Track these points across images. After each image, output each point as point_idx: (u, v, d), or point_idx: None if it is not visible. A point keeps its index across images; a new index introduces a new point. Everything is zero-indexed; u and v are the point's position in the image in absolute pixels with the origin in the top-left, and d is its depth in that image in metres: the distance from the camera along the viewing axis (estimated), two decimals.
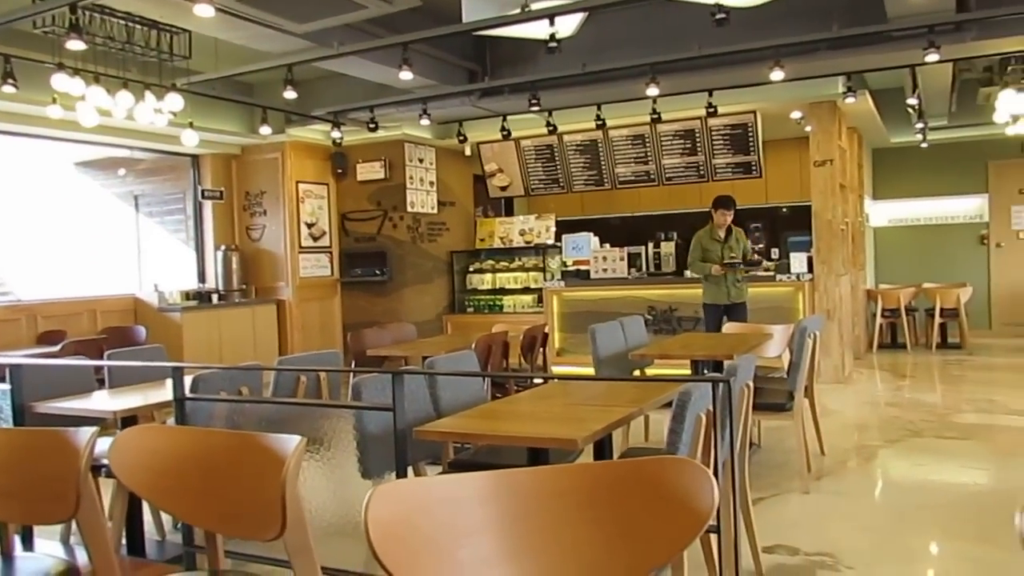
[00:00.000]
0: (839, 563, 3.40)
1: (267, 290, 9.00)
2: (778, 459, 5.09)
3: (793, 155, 9.52)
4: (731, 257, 6.74)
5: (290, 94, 6.31)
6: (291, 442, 1.75)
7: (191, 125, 6.79)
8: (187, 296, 8.43)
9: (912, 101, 7.77)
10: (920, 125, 9.10)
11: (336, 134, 8.03)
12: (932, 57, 5.70)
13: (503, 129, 8.27)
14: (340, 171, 9.32)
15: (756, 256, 7.04)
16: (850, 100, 7.13)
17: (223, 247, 8.84)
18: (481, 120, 8.64)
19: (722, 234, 6.83)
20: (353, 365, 5.89)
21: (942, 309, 9.94)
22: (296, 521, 1.72)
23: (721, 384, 2.39)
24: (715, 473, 2.43)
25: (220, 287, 8.75)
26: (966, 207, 10.96)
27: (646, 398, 3.13)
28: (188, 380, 3.35)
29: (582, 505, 1.42)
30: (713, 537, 2.60)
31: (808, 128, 8.02)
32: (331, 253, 9.40)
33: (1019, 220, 10.81)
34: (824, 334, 7.52)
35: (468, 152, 9.67)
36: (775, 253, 10.23)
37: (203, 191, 8.87)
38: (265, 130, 7.65)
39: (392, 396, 2.81)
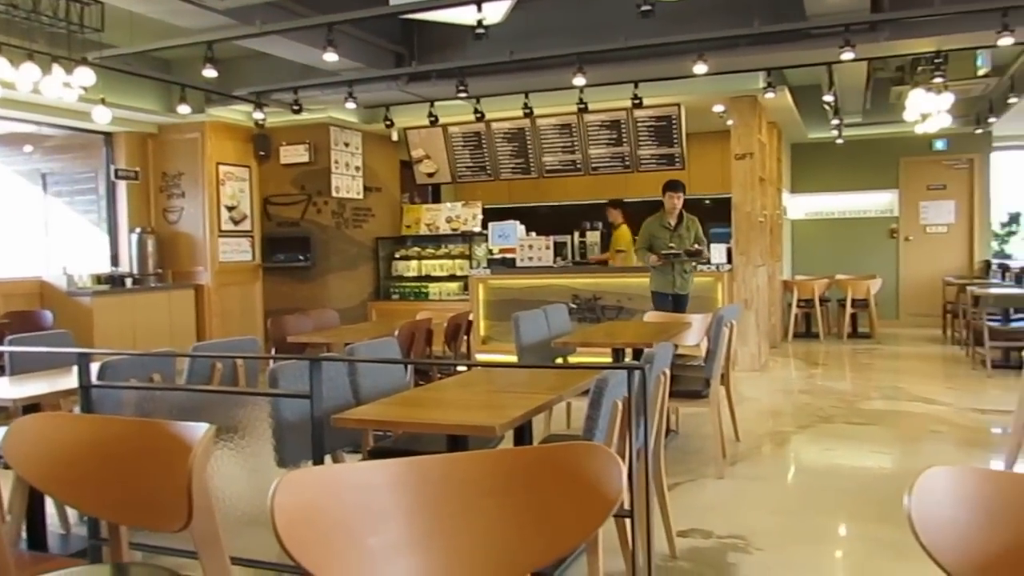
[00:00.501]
0: (750, 545, 3.50)
1: (185, 275, 8.75)
2: (695, 445, 5.21)
3: (715, 148, 9.72)
4: (677, 246, 6.63)
5: (210, 72, 6.12)
6: (198, 430, 1.70)
7: (103, 101, 6.52)
8: (99, 280, 8.12)
9: (828, 98, 8.02)
10: (836, 122, 9.40)
11: (259, 115, 7.84)
12: (847, 55, 5.89)
13: (431, 115, 8.22)
14: (263, 153, 9.11)
15: (697, 246, 6.65)
16: (770, 95, 7.32)
17: (138, 229, 8.55)
18: (408, 105, 8.56)
19: (672, 221, 6.71)
20: (273, 352, 5.77)
21: (853, 300, 10.32)
22: (203, 511, 1.68)
23: (637, 371, 2.43)
24: (630, 459, 2.47)
25: (134, 271, 8.46)
26: (878, 202, 11.39)
27: (566, 385, 3.15)
28: (96, 367, 3.23)
29: (494, 491, 1.43)
30: (628, 521, 2.64)
31: (730, 122, 8.20)
32: (252, 238, 9.19)
33: (927, 215, 11.30)
34: (741, 323, 7.72)
35: (395, 137, 9.56)
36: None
37: (116, 171, 8.55)
38: (184, 109, 7.41)
39: (309, 383, 2.76)
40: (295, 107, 7.55)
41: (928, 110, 7.71)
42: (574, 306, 8.30)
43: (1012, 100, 8.72)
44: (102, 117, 6.57)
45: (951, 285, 9.77)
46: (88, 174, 8.79)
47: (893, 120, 9.98)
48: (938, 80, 6.74)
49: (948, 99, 7.44)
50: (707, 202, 10.41)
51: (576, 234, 10.82)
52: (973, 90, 9.23)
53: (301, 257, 9.07)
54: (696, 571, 3.27)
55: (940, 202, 11.24)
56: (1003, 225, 12.85)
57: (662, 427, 3.29)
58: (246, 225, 9.08)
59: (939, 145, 11.11)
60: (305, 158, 8.98)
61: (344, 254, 9.30)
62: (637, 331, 5.44)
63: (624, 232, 9.36)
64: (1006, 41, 5.48)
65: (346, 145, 9.23)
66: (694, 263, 6.92)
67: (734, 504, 4.19)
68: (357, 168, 9.42)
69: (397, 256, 9.98)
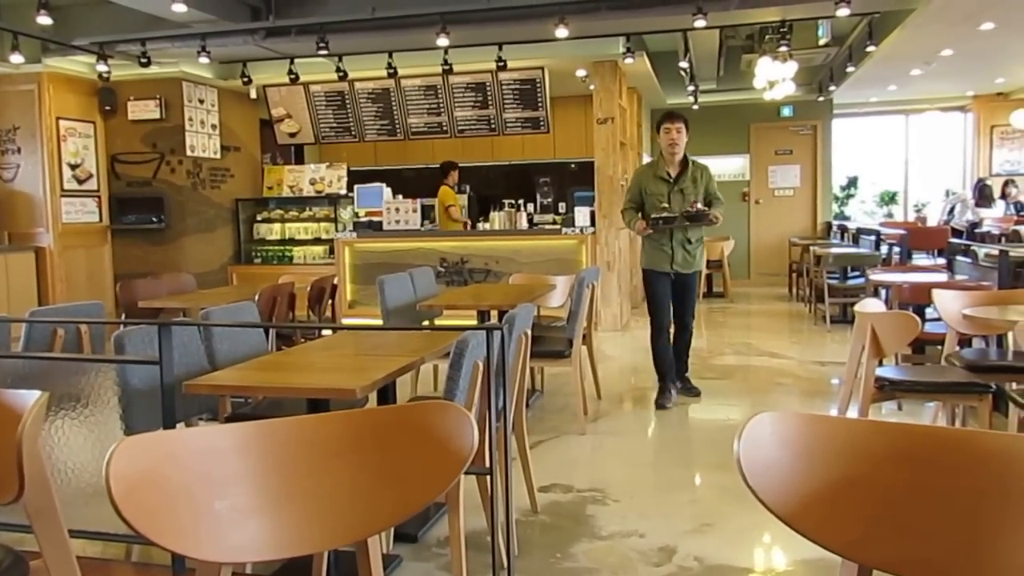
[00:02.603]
0: (607, 497, 3.65)
1: (23, 236, 8.13)
2: (559, 403, 5.35)
3: (579, 112, 9.88)
4: (677, 207, 5.05)
5: (44, 19, 5.68)
6: (29, 397, 1.60)
7: None
8: None
9: (684, 65, 8.29)
10: (692, 88, 9.74)
11: (102, 67, 7.32)
12: (700, 23, 6.10)
13: (291, 72, 7.93)
14: (108, 108, 8.53)
15: (700, 206, 4.98)
16: (629, 61, 7.48)
17: None
18: (267, 62, 8.23)
19: (672, 170, 5.10)
20: (123, 318, 5.48)
21: (708, 261, 10.80)
22: (37, 482, 1.59)
23: (496, 332, 2.46)
24: (490, 418, 2.51)
25: None
26: (731, 166, 11.93)
27: (429, 348, 3.16)
28: None
29: (345, 451, 1.42)
30: (489, 479, 2.69)
31: (592, 86, 8.34)
32: (99, 198, 8.62)
33: (775, 179, 11.94)
34: (604, 285, 7.96)
35: (254, 95, 9.19)
36: (563, 208, 10.64)
37: None
38: (16, 58, 6.84)
39: (159, 349, 2.64)
40: (143, 60, 7.11)
41: (775, 78, 8.11)
42: (442, 269, 8.30)
43: (850, 69, 9.29)
44: None
45: (796, 246, 10.40)
46: None
47: (744, 87, 10.44)
48: (783, 49, 7.09)
49: (792, 67, 7.85)
50: (573, 166, 10.59)
51: None
52: (815, 59, 9.78)
53: (154, 219, 8.61)
54: (556, 524, 3.38)
55: (787, 166, 11.90)
56: (843, 188, 13.77)
57: (524, 387, 3.35)
58: (92, 184, 8.50)
59: (786, 112, 11.73)
60: (156, 114, 8.48)
61: (201, 216, 8.89)
62: (502, 293, 5.50)
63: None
64: (843, 12, 5.84)
65: (201, 102, 8.78)
66: (700, 230, 5.21)
67: (594, 459, 4.35)
68: (213, 126, 8.99)
69: (259, 219, 9.64)
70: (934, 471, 1.17)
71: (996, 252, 5.04)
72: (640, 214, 5.18)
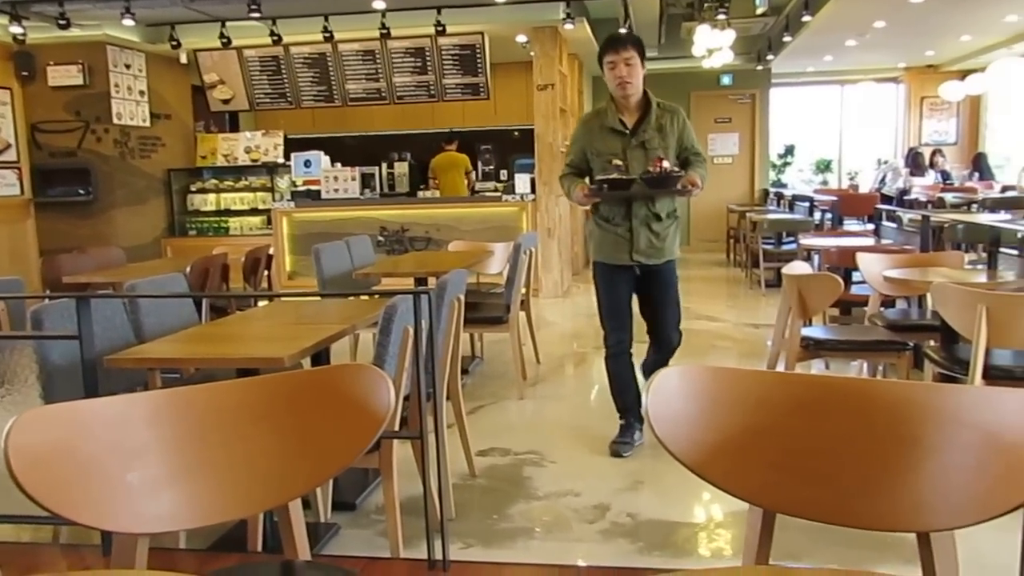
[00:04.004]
0: (544, 459, 3.70)
1: None
2: (498, 370, 5.38)
3: (520, 79, 9.82)
4: (634, 166, 3.54)
5: None
6: None
7: None
8: None
9: (624, 31, 8.29)
10: None
11: (17, 29, 7.00)
12: None
13: (222, 36, 7.73)
14: (26, 74, 8.17)
15: (668, 165, 3.48)
16: (569, 27, 7.46)
17: None
18: (197, 25, 7.99)
19: (628, 120, 3.62)
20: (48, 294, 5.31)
21: None
22: None
23: (424, 296, 2.46)
24: (420, 383, 2.52)
25: None
26: None
27: (364, 315, 3.14)
28: None
29: (259, 417, 1.40)
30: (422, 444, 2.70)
31: (532, 53, 8.30)
32: (19, 169, 8.30)
33: (714, 146, 12.08)
34: (545, 251, 8.00)
35: (184, 60, 8.91)
36: (504, 175, 10.62)
37: None
38: None
39: (78, 323, 2.57)
40: (61, 21, 6.82)
41: (713, 46, 8.17)
42: (382, 238, 8.24)
43: (787, 39, 9.42)
44: None
45: (734, 212, 10.56)
46: None
47: (684, 55, 10.51)
48: (721, 17, 7.14)
49: (730, 36, 7.92)
50: (516, 133, 10.55)
51: (384, 165, 10.65)
52: (753, 28, 9.88)
53: (81, 191, 8.33)
54: (493, 487, 3.41)
55: (726, 135, 12.05)
56: (780, 156, 14.01)
57: (459, 352, 3.36)
58: (10, 155, 8.17)
59: (725, 80, 11.86)
60: (79, 80, 8.16)
61: (131, 187, 8.63)
62: (441, 260, 5.48)
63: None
64: None
65: (127, 67, 8.48)
66: (672, 201, 3.69)
67: (533, 423, 4.40)
68: (142, 93, 8.71)
69: (193, 189, 9.40)
70: (833, 419, 1.21)
71: (919, 218, 5.19)
72: (587, 180, 3.73)
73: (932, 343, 3.60)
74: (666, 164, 3.47)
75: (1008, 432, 1.08)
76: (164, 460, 1.37)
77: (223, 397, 1.42)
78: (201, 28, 7.99)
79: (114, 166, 8.37)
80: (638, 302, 3.82)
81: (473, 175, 9.68)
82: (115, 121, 8.30)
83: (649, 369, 3.93)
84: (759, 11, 8.91)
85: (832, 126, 14.15)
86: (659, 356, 3.88)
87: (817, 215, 8.67)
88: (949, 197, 8.73)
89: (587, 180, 3.75)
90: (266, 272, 6.12)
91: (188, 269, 4.79)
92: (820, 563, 2.58)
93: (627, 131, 3.62)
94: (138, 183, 8.72)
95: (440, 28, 7.34)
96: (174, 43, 7.94)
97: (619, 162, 3.50)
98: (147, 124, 8.80)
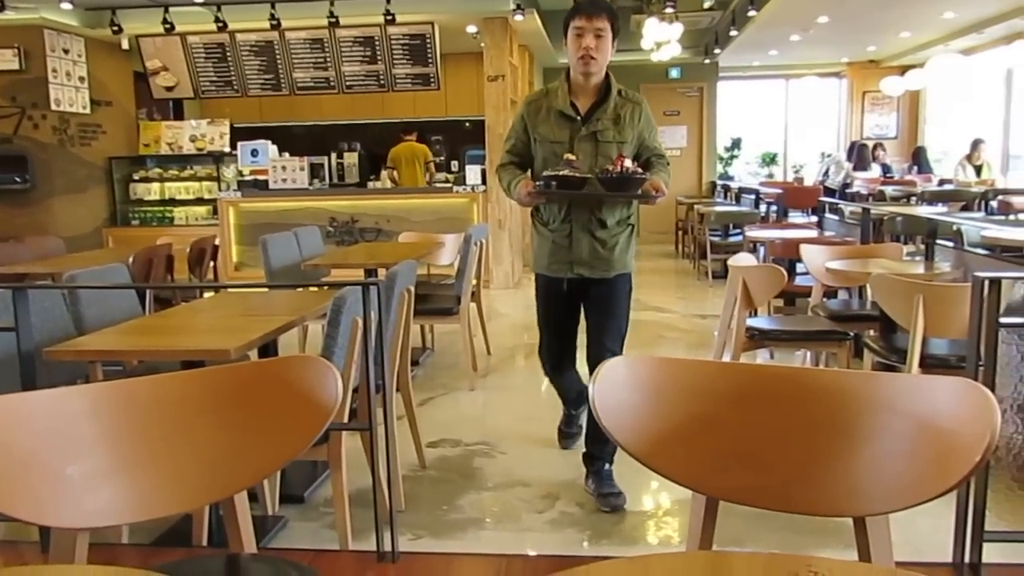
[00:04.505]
0: (494, 449, 3.71)
1: None
2: (449, 361, 5.37)
3: (470, 69, 9.79)
4: (588, 162, 3.00)
5: None
6: None
7: None
8: None
9: None
10: None
11: None
12: None
13: (165, 21, 7.56)
14: None
15: (628, 165, 2.89)
16: (519, 18, 7.46)
17: None
18: (139, 9, 7.80)
19: (582, 104, 3.08)
20: None
21: None
22: None
23: (373, 288, 2.44)
24: (369, 374, 2.51)
25: None
26: None
27: (313, 306, 3.11)
28: None
29: (204, 410, 1.39)
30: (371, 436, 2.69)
31: (483, 44, 8.28)
32: None
33: (663, 139, 12.10)
34: (496, 243, 8.01)
35: (126, 46, 8.68)
36: (455, 166, 10.60)
37: None
38: None
39: (14, 314, 2.50)
40: None
41: (662, 39, 8.25)
42: (331, 229, 8.16)
43: (733, 33, 9.55)
44: None
45: (682, 204, 10.69)
46: None
47: (633, 48, 10.57)
48: (669, 11, 7.21)
49: (679, 29, 8.00)
50: (467, 124, 10.52)
51: (333, 155, 10.54)
52: (701, 22, 9.99)
53: (17, 179, 8.06)
54: (443, 478, 3.41)
55: (674, 127, 12.18)
56: (727, 149, 14.22)
57: (408, 344, 3.35)
58: None
59: (674, 73, 11.98)
60: (14, 65, 7.89)
61: (71, 175, 8.39)
62: (391, 252, 5.45)
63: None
64: None
65: (66, 52, 8.23)
66: (627, 207, 3.19)
67: (483, 414, 4.41)
68: (81, 79, 8.46)
69: (136, 178, 9.18)
70: (773, 408, 1.24)
71: (859, 210, 5.32)
72: (530, 173, 3.16)
73: (872, 333, 3.70)
74: (628, 163, 2.88)
75: (939, 419, 1.12)
76: (105, 454, 1.34)
77: (167, 389, 1.40)
78: (143, 13, 7.80)
79: (52, 154, 8.13)
80: (588, 320, 3.25)
81: (433, 166, 9.64)
82: (53, 107, 8.06)
83: (591, 453, 3.26)
84: (706, 5, 9.02)
85: (777, 120, 14.41)
86: None
87: (763, 207, 8.83)
88: (889, 190, 8.97)
89: (530, 173, 3.17)
90: (212, 263, 6.01)
91: (131, 259, 4.69)
92: (763, 548, 2.65)
93: (579, 118, 3.05)
94: (78, 171, 8.48)
95: (389, 17, 7.28)
96: (115, 28, 7.74)
97: (571, 156, 2.91)
98: (87, 111, 8.56)
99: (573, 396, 3.59)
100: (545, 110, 3.12)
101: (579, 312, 3.27)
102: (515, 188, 3.06)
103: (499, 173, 3.23)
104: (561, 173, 2.89)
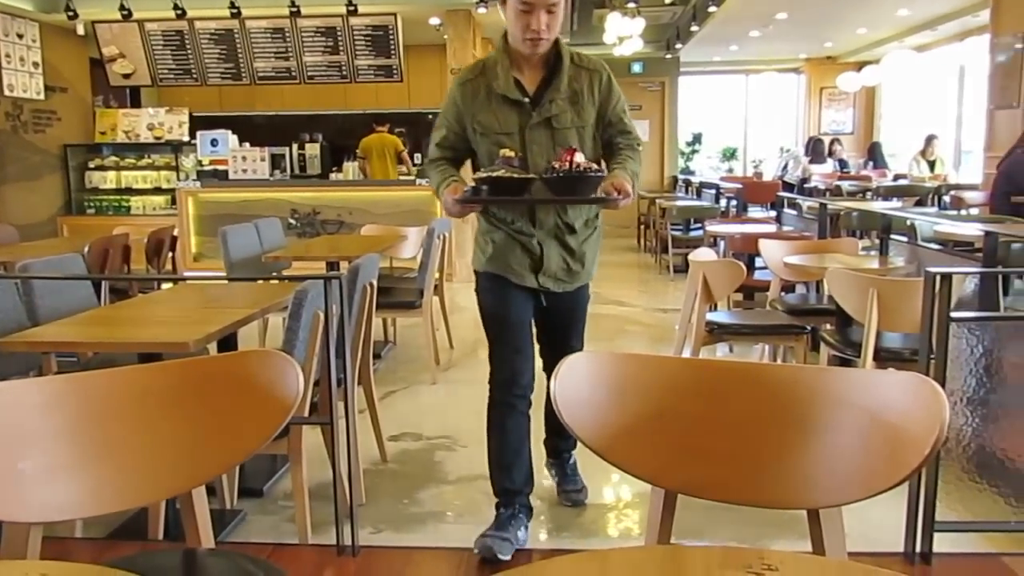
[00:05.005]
0: (455, 443, 3.71)
1: None
2: (411, 354, 5.36)
3: (434, 62, 9.75)
4: (536, 154, 2.46)
5: None
6: None
7: None
8: None
9: None
10: None
11: None
12: None
13: (122, 8, 7.41)
14: None
15: (580, 161, 2.30)
16: (482, 10, 7.44)
17: None
18: None
19: (529, 82, 2.52)
20: None
21: None
22: None
23: (335, 281, 2.43)
24: (331, 368, 2.49)
25: None
26: None
27: (273, 299, 3.08)
28: None
29: (161, 403, 1.37)
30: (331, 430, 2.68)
31: (446, 36, 8.25)
32: None
33: None
34: (460, 236, 7.98)
35: (82, 31, 8.50)
36: (419, 159, 10.55)
37: None
38: None
39: None
40: None
41: (624, 33, 8.29)
42: (293, 221, 8.07)
43: (694, 29, 9.64)
44: None
45: (644, 199, 10.76)
46: None
47: (596, 42, 10.61)
48: (631, 5, 7.25)
49: (640, 24, 8.05)
50: (430, 117, 10.47)
51: (295, 146, 10.43)
52: (662, 17, 10.06)
53: None
54: (404, 471, 3.41)
55: (636, 122, 12.08)
56: (688, 144, 14.35)
57: (371, 337, 3.34)
58: None
59: (636, 68, 12.05)
60: None
61: (24, 163, 8.20)
62: (353, 244, 5.42)
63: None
64: None
65: (19, 37, 8.03)
66: (593, 207, 2.64)
67: (445, 407, 4.40)
68: (35, 64, 8.26)
69: (92, 166, 9.01)
70: (730, 402, 1.26)
71: (817, 205, 5.41)
72: (469, 167, 2.63)
73: (828, 326, 3.78)
74: (580, 158, 2.28)
75: (889, 413, 1.15)
76: (59, 447, 1.32)
77: (123, 383, 1.38)
78: None
79: (5, 140, 7.93)
80: (536, 328, 2.73)
81: (406, 156, 9.54)
82: (6, 93, 7.86)
83: (550, 422, 2.91)
84: (667, 0, 9.09)
85: (738, 115, 14.58)
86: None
87: (723, 202, 8.93)
88: (846, 185, 9.13)
89: (461, 169, 2.61)
90: (170, 254, 5.93)
91: (86, 249, 4.61)
92: (723, 541, 2.69)
93: (527, 99, 2.45)
94: (32, 158, 8.29)
95: (352, 8, 7.22)
96: (70, 13, 7.57)
97: (510, 152, 2.33)
98: (41, 97, 8.36)
99: (519, 475, 2.62)
100: (484, 93, 2.47)
101: (531, 320, 2.68)
102: (443, 193, 2.43)
103: (429, 171, 2.63)
104: (495, 174, 2.30)
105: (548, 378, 2.08)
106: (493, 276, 2.63)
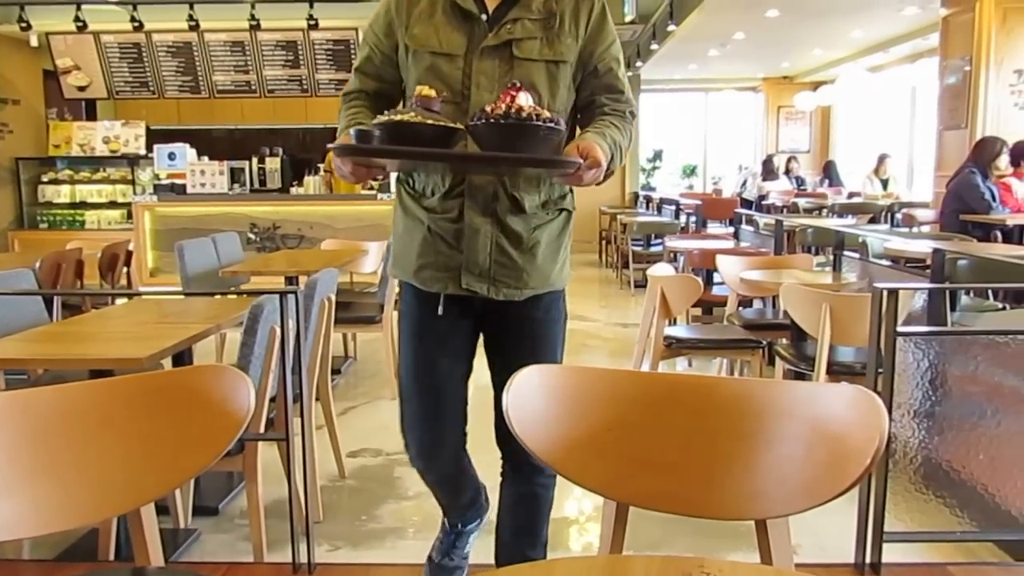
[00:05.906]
0: None
1: None
2: (371, 369, 5.33)
3: None
4: (483, 91, 1.72)
5: None
6: None
7: None
8: None
9: None
10: None
11: None
12: None
13: (77, 19, 7.31)
14: None
15: (537, 109, 1.49)
16: None
17: None
18: (50, 6, 7.52)
19: None
20: None
21: None
22: None
23: (291, 296, 2.41)
24: (287, 384, 2.47)
25: None
26: None
27: (230, 314, 3.05)
28: None
29: (109, 420, 1.35)
30: (287, 446, 2.65)
31: None
32: None
33: None
34: None
35: (35, 43, 8.36)
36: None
37: None
38: None
39: None
40: None
41: None
42: (252, 235, 8.00)
43: (654, 47, 9.78)
44: None
45: (605, 214, 10.86)
46: None
47: None
48: None
49: None
50: None
51: (255, 160, 10.32)
52: (623, 35, 10.18)
53: None
54: (363, 488, 3.38)
55: None
56: (649, 160, 14.52)
57: (329, 353, 3.31)
58: None
59: None
60: None
61: None
62: (313, 259, 5.38)
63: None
64: None
65: None
66: (557, 181, 1.82)
67: None
68: None
69: (45, 180, 8.83)
70: (681, 415, 1.28)
71: (773, 222, 5.51)
72: (388, 110, 1.60)
73: (784, 341, 3.84)
74: (525, 100, 1.55)
75: (832, 424, 1.18)
76: (3, 465, 1.30)
77: (71, 399, 1.36)
78: (54, 10, 7.53)
79: None
80: (486, 360, 2.07)
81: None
82: None
83: (510, 519, 2.15)
84: (628, 18, 9.21)
85: (698, 132, 14.80)
86: (522, 487, 2.10)
87: (683, 218, 9.04)
88: (802, 202, 9.30)
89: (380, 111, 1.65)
90: (125, 269, 5.83)
91: (38, 264, 4.52)
92: (677, 552, 2.71)
93: (483, 15, 1.77)
94: None
95: (313, 22, 7.21)
96: (23, 24, 7.45)
97: (429, 90, 1.61)
98: None
99: (464, 500, 2.23)
100: (428, 2, 1.79)
101: (469, 354, 2.03)
102: (338, 163, 1.69)
103: (341, 111, 1.90)
104: (397, 118, 1.54)
105: (501, 451, 1.96)
106: (408, 289, 1.94)
